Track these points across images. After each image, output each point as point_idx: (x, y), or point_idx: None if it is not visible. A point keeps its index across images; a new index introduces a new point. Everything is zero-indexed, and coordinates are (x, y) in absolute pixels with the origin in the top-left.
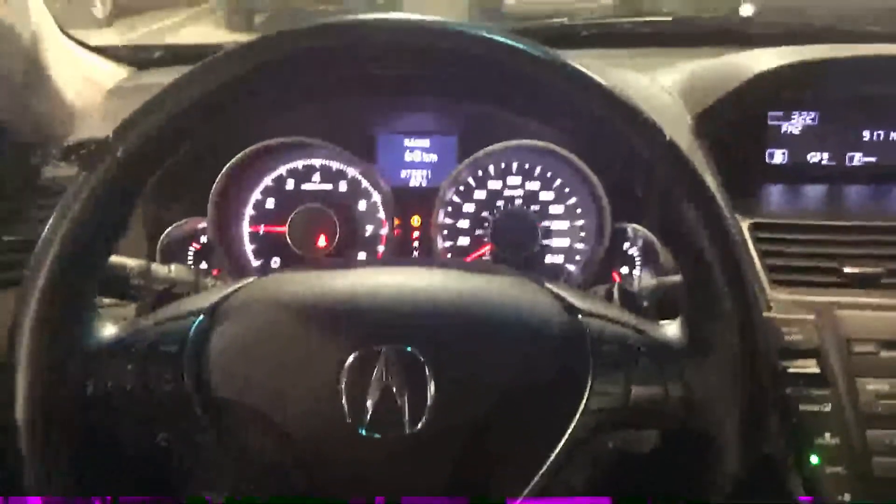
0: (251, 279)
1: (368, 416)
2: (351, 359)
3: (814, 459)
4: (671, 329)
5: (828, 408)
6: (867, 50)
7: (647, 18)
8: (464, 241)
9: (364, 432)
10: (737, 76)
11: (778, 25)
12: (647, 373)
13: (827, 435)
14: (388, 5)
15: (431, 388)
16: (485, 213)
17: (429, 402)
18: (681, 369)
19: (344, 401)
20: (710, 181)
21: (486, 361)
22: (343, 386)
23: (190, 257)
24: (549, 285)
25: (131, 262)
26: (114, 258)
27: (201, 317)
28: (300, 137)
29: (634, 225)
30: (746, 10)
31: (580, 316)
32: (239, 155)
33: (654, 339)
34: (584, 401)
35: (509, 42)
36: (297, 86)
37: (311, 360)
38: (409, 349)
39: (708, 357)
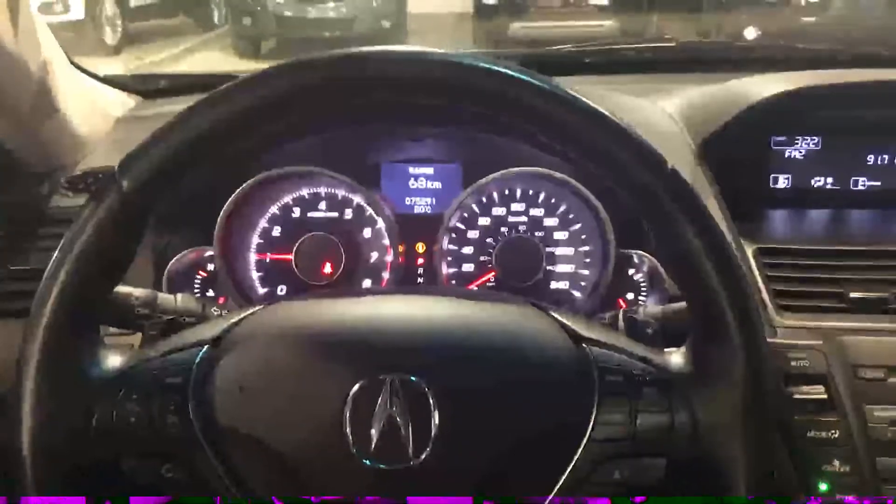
0: (255, 309)
1: (372, 447)
2: (355, 389)
3: (823, 487)
4: (676, 357)
5: (836, 434)
6: (869, 75)
7: (651, 45)
8: (468, 267)
9: (368, 462)
10: (740, 102)
11: (781, 50)
12: (653, 402)
13: (836, 462)
14: (393, 31)
15: (436, 417)
16: (489, 240)
17: (433, 432)
18: (687, 397)
19: (348, 431)
20: (715, 208)
21: (490, 390)
22: (347, 416)
23: (197, 285)
24: (553, 313)
25: (137, 292)
26: (120, 288)
27: (206, 347)
28: (305, 167)
29: (640, 251)
30: (750, 34)
31: (585, 345)
32: (245, 184)
33: (659, 368)
34: (588, 431)
35: (510, 72)
36: (304, 116)
37: (315, 390)
38: (413, 379)
39: (714, 384)
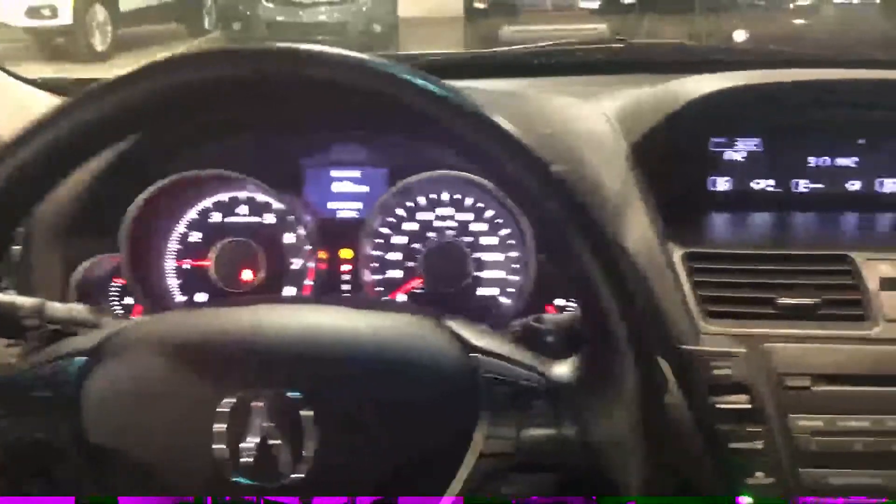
0: (137, 319)
1: (245, 463)
2: (228, 403)
3: (746, 499)
4: (564, 367)
5: (759, 445)
6: (809, 75)
7: (600, 45)
8: (393, 273)
9: (241, 480)
10: (673, 102)
11: (735, 52)
12: (541, 414)
13: (759, 473)
14: (385, 35)
15: (311, 433)
16: (416, 245)
17: (309, 449)
18: (576, 409)
19: (220, 446)
20: (642, 211)
21: (372, 404)
22: (219, 431)
23: (115, 294)
24: (448, 323)
25: (21, 300)
26: (3, 296)
27: (80, 358)
28: (219, 170)
29: None
30: (739, 36)
31: (475, 355)
32: (151, 188)
33: (548, 379)
34: (475, 445)
35: (395, 73)
36: (190, 115)
37: (187, 404)
38: (289, 393)
39: (601, 395)
